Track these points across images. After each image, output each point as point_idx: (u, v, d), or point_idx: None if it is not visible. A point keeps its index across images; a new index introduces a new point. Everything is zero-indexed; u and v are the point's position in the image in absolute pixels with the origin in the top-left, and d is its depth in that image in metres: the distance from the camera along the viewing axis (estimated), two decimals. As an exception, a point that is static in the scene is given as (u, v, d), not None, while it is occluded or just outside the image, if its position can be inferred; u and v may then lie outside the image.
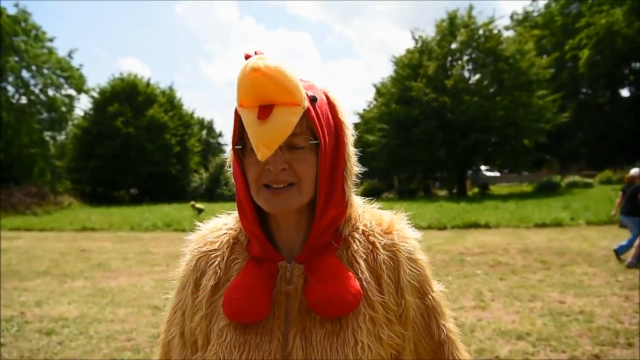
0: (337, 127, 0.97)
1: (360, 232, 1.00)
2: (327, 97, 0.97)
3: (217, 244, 1.03)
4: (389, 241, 0.99)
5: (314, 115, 0.90)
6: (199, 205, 18.73)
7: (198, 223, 1.12)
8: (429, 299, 1.00)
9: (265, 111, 0.84)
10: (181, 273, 1.08)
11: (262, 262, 0.96)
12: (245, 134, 0.90)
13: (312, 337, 0.90)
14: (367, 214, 1.04)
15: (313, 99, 0.91)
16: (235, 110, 0.92)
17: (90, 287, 7.22)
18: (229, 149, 1.02)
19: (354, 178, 1.00)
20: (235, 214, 1.05)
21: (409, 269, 0.97)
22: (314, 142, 0.91)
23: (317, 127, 0.90)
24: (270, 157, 0.87)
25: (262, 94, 0.84)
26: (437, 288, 1.03)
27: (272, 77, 0.82)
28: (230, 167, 1.01)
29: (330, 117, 0.96)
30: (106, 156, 33.01)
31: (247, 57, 0.86)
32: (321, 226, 0.94)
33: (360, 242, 0.98)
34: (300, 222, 0.98)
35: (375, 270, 0.95)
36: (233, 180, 1.00)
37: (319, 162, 0.92)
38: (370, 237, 0.99)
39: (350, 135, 0.99)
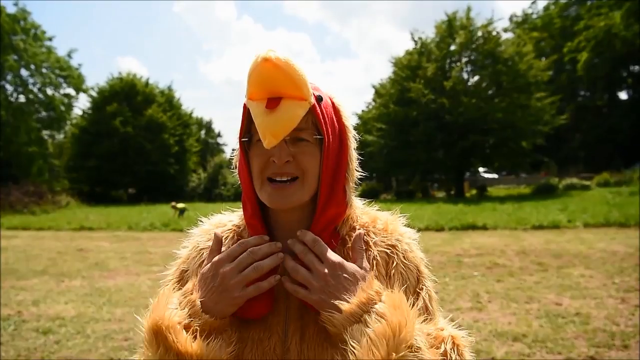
0: (341, 130, 1.01)
1: (357, 231, 1.02)
2: (332, 102, 1.01)
3: (222, 239, 1.04)
4: (382, 238, 1.01)
5: (319, 112, 0.94)
6: (180, 205, 18.68)
7: (202, 218, 1.14)
8: (421, 295, 1.00)
9: (273, 102, 0.88)
10: (182, 260, 1.10)
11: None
12: (252, 127, 0.95)
13: (308, 333, 0.93)
14: (365, 215, 1.07)
15: (319, 99, 0.95)
16: (244, 105, 0.95)
17: (88, 287, 7.22)
18: (232, 150, 1.06)
19: (355, 180, 1.04)
20: (240, 212, 1.08)
21: (402, 265, 0.99)
22: (318, 136, 0.94)
23: (321, 123, 0.94)
24: (275, 149, 0.91)
25: (272, 85, 0.88)
26: (430, 285, 1.04)
27: (282, 68, 0.86)
28: (236, 167, 1.05)
29: (335, 120, 0.99)
30: (104, 156, 32.99)
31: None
32: (321, 224, 0.97)
33: None
34: (301, 219, 1.00)
35: None
36: (238, 177, 1.03)
37: (322, 157, 0.95)
38: (365, 236, 1.01)
39: (353, 139, 1.03)
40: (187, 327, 0.88)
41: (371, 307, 0.85)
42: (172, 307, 0.91)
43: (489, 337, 4.53)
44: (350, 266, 0.91)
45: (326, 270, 0.90)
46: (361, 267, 0.92)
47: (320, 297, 0.88)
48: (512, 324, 4.90)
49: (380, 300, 0.86)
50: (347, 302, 0.86)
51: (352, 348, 0.81)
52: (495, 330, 4.72)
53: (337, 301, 0.86)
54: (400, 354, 0.80)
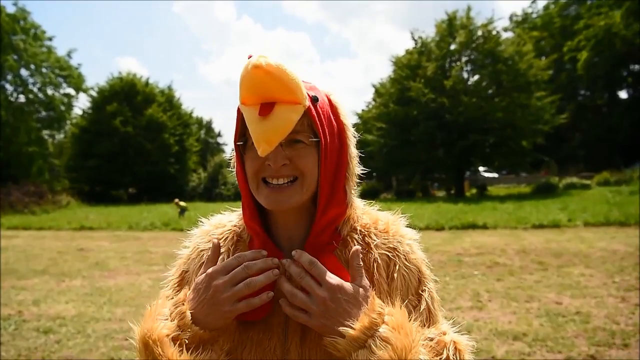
0: (340, 129, 0.99)
1: (358, 232, 1.01)
2: (330, 100, 0.99)
3: (222, 240, 1.04)
4: (384, 240, 1.00)
5: (315, 114, 0.92)
6: (181, 203, 18.74)
7: (202, 219, 1.14)
8: (423, 297, 1.00)
9: (266, 108, 0.87)
10: (182, 261, 1.10)
11: None
12: (246, 130, 0.93)
13: (308, 334, 0.92)
14: (366, 215, 1.06)
15: (314, 99, 0.93)
16: (238, 108, 0.94)
17: (88, 286, 7.22)
18: (231, 150, 1.04)
19: (355, 179, 1.02)
20: (240, 211, 1.07)
21: (404, 268, 0.98)
22: (314, 139, 0.93)
23: (317, 125, 0.92)
24: (270, 153, 0.89)
25: (264, 91, 0.86)
26: (432, 286, 1.03)
27: (274, 74, 0.84)
28: (233, 168, 1.03)
29: (332, 119, 0.98)
30: (105, 155, 32.98)
31: (250, 57, 0.88)
32: (321, 224, 0.96)
33: (357, 242, 0.99)
34: (300, 220, 0.99)
35: (367, 269, 0.96)
36: (237, 179, 1.02)
37: (320, 159, 0.93)
38: (366, 237, 1.01)
39: (352, 137, 1.01)
40: (176, 339, 0.87)
41: (375, 332, 0.83)
42: (162, 318, 0.90)
43: (489, 336, 4.53)
44: (350, 287, 0.89)
45: (326, 294, 0.87)
46: (360, 286, 0.90)
47: (321, 322, 0.86)
48: (512, 323, 4.90)
49: (384, 322, 0.85)
50: (350, 327, 0.84)
51: None
52: (496, 329, 4.72)
53: (340, 327, 0.85)
54: None
